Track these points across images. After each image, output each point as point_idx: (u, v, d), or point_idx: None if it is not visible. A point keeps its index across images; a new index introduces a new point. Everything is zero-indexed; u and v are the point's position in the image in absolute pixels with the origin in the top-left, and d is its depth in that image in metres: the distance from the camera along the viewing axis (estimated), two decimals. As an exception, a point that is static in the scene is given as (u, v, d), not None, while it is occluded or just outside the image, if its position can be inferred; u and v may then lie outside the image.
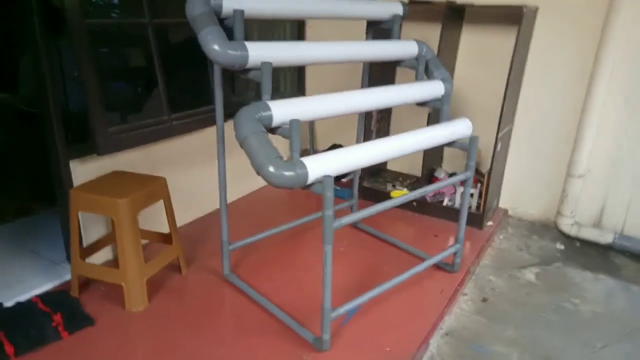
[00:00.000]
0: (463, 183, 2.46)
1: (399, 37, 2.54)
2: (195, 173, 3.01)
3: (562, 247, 3.01)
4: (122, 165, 2.48)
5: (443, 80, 2.46)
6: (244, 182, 3.49)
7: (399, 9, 2.52)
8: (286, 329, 2.09)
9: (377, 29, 2.61)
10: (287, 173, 1.66)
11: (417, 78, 2.48)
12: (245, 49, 1.80)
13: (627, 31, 2.70)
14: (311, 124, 4.07)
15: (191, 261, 2.59)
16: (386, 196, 3.37)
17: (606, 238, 2.97)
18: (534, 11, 2.95)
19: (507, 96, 2.87)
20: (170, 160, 2.81)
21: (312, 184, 1.75)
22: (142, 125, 2.42)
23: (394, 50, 2.42)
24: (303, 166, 1.69)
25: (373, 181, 3.58)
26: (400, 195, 3.31)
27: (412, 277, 2.31)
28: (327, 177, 1.71)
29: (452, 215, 3.19)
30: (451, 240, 2.96)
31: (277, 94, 3.87)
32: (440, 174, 3.37)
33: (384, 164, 3.85)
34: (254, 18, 1.97)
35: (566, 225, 3.11)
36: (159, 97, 2.50)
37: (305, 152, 2.93)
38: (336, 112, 1.98)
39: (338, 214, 3.04)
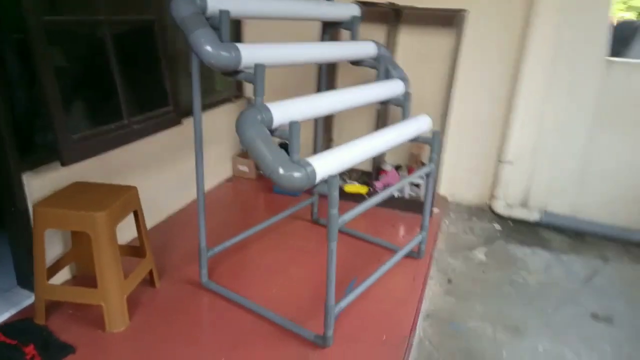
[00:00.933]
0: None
1: (358, 38, 2.64)
2: (151, 177, 2.85)
3: (499, 227, 3.37)
4: (77, 174, 2.27)
5: (402, 79, 2.61)
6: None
7: (357, 11, 2.62)
8: (280, 330, 2.10)
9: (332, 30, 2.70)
10: (296, 174, 1.68)
11: (379, 77, 2.60)
12: (237, 50, 1.78)
13: (545, 33, 3.09)
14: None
15: (161, 272, 2.46)
16: (340, 190, 3.47)
17: (534, 216, 3.39)
18: (467, 14, 3.23)
19: (451, 91, 3.12)
20: (126, 166, 2.63)
21: (316, 184, 1.78)
22: (104, 131, 2.24)
23: (357, 50, 2.52)
24: (310, 165, 1.72)
25: (322, 177, 3.65)
26: (356, 188, 3.47)
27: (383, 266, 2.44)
28: (332, 176, 1.76)
29: (402, 206, 3.39)
30: (405, 229, 3.15)
31: (213, 93, 3.77)
32: (387, 166, 3.56)
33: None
34: (237, 18, 1.94)
35: (499, 207, 3.48)
36: (117, 101, 2.33)
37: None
38: (326, 112, 2.04)
39: (300, 213, 3.12)
